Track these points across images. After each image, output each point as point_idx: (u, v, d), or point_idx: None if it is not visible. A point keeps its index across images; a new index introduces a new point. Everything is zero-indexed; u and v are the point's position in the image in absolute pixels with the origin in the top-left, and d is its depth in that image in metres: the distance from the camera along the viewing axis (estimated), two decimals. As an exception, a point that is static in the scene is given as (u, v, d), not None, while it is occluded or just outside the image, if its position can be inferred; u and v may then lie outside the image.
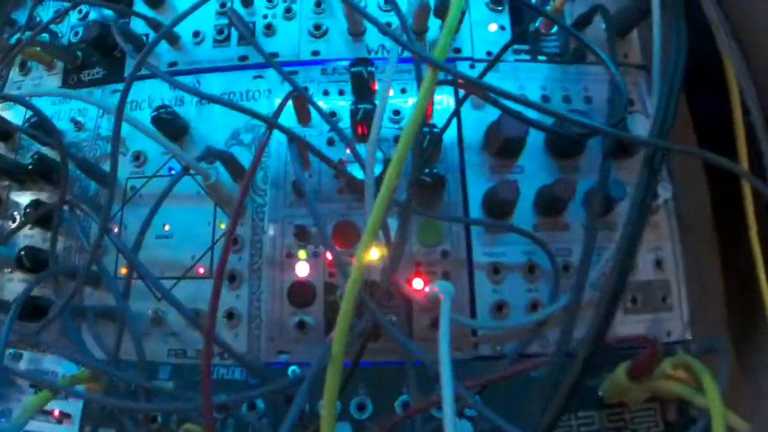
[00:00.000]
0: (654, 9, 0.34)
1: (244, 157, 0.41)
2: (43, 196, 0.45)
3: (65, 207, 0.41)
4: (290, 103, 0.38)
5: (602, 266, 0.37)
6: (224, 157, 0.38)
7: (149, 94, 0.47)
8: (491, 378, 0.28)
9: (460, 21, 0.44)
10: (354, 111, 0.39)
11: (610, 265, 0.28)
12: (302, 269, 0.39)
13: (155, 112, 0.41)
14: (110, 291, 0.37)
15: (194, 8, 0.36)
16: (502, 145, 0.38)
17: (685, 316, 0.41)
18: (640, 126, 0.39)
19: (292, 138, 0.34)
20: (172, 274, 0.41)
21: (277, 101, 0.38)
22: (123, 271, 0.41)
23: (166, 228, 0.42)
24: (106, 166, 0.44)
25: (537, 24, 0.44)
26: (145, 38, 0.48)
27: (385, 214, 0.27)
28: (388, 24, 0.45)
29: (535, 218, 0.40)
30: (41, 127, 0.43)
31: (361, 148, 0.37)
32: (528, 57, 0.44)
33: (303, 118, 0.42)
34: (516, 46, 0.43)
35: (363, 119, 0.39)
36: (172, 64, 0.47)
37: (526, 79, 0.43)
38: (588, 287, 0.35)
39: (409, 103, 0.43)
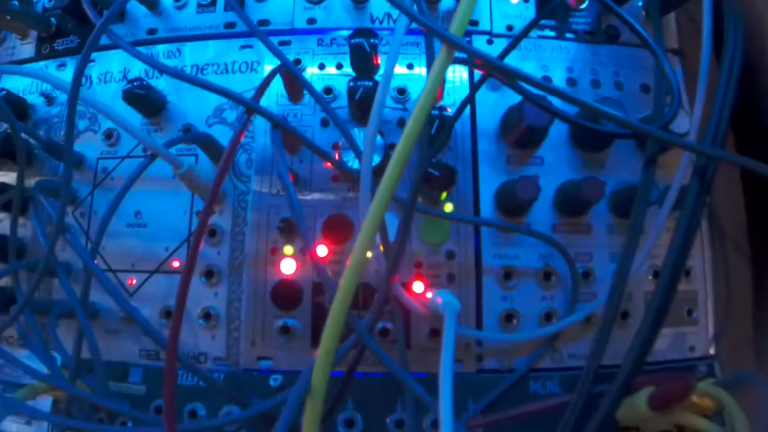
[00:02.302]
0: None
1: (228, 138, 0.36)
2: (11, 178, 0.40)
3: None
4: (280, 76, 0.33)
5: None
6: (203, 140, 0.33)
7: (125, 65, 0.41)
8: (500, 417, 0.23)
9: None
10: (353, 89, 0.34)
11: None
12: (288, 267, 0.34)
13: (127, 86, 0.36)
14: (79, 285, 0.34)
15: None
16: (522, 134, 0.33)
17: (711, 330, 0.37)
18: (680, 123, 0.34)
19: (276, 123, 0.29)
20: (145, 268, 0.37)
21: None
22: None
23: (138, 216, 0.37)
24: (79, 146, 0.40)
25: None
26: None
27: (383, 214, 0.23)
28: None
29: (554, 217, 0.35)
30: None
31: (359, 135, 0.33)
32: (553, 33, 0.38)
33: (294, 94, 0.37)
34: (534, 18, 0.38)
35: (363, 98, 0.34)
36: (152, 31, 0.42)
37: (551, 60, 0.38)
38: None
39: (417, 74, 0.38)
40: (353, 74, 0.37)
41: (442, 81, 0.23)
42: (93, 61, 0.42)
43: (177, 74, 0.29)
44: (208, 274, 0.35)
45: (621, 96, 0.38)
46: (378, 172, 0.34)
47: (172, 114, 0.39)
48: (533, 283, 0.34)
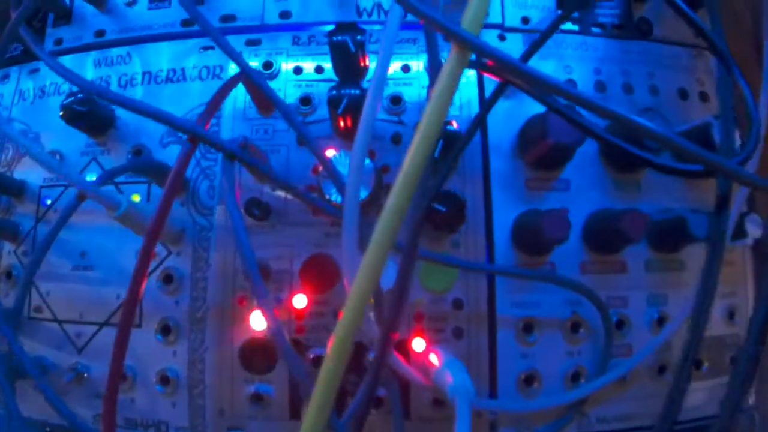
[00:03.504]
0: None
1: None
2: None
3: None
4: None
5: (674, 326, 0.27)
6: (148, 169, 0.27)
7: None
8: None
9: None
10: (334, 98, 0.28)
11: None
12: (259, 321, 0.28)
13: (66, 101, 0.30)
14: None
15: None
16: (546, 153, 0.27)
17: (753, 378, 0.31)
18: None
19: (229, 155, 0.22)
20: (94, 318, 0.31)
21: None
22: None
23: (84, 256, 0.31)
24: (20, 172, 0.34)
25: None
26: (68, 2, 0.36)
27: (379, 274, 0.17)
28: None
29: (582, 253, 0.29)
30: None
31: (343, 159, 0.26)
32: (576, 27, 0.32)
33: (262, 106, 0.30)
34: (562, 11, 0.31)
35: (347, 111, 0.28)
36: (100, 33, 0.35)
37: (575, 58, 0.31)
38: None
39: (415, 77, 0.31)
40: (336, 79, 0.31)
41: (454, 91, 0.17)
42: (37, 70, 0.36)
43: (100, 92, 0.23)
44: (165, 329, 0.29)
45: (656, 103, 0.31)
46: (367, 205, 0.28)
47: (121, 133, 0.33)
48: (558, 336, 0.28)
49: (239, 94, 0.31)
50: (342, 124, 0.28)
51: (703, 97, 0.32)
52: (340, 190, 0.24)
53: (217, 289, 0.29)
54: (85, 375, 0.30)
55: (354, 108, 0.27)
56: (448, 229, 0.26)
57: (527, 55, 0.25)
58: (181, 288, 0.29)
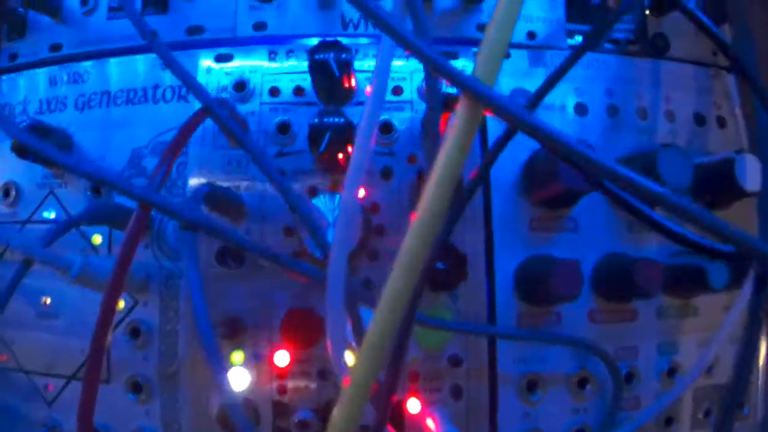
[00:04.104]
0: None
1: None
2: None
3: None
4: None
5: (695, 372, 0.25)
6: (106, 216, 0.24)
7: (25, 94, 0.31)
8: None
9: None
10: (316, 131, 0.24)
11: None
12: (238, 380, 0.26)
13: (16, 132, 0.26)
14: None
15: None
16: (556, 196, 0.24)
17: (758, 421, 0.30)
18: (750, 173, 0.25)
19: (186, 225, 0.19)
20: (61, 371, 0.28)
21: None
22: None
23: (47, 302, 0.28)
24: None
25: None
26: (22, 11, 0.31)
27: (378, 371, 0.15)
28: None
29: (591, 301, 0.26)
30: None
31: (326, 202, 0.23)
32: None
33: (233, 137, 0.27)
34: (571, 25, 0.28)
35: (331, 146, 0.24)
36: (55, 47, 0.31)
37: (586, 79, 0.28)
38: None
39: (408, 101, 0.28)
40: (320, 105, 0.27)
41: (468, 148, 0.14)
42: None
43: (20, 138, 0.19)
44: (135, 386, 0.27)
45: (672, 130, 0.28)
46: (355, 253, 0.25)
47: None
48: (564, 393, 0.26)
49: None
50: (324, 157, 0.25)
51: (721, 122, 0.29)
52: (324, 247, 0.21)
53: (189, 342, 0.26)
54: (58, 429, 0.28)
55: (338, 141, 0.24)
56: (447, 288, 0.23)
57: (541, 93, 0.22)
58: (149, 342, 0.26)
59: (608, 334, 0.26)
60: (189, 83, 0.21)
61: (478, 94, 0.14)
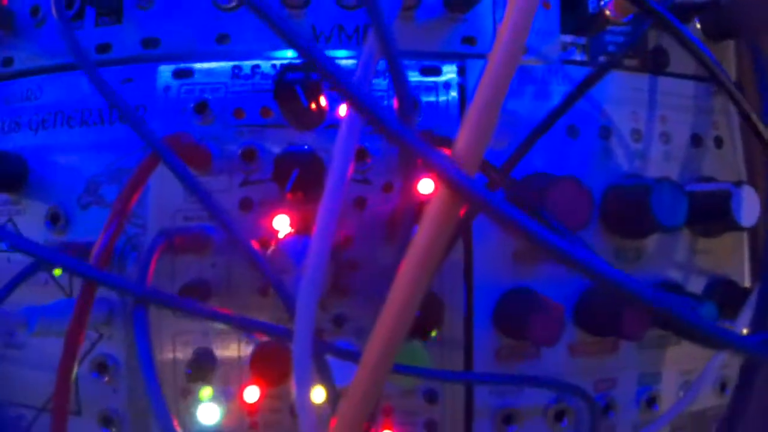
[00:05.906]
0: None
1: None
2: None
3: None
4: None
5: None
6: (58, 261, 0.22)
7: None
8: None
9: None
10: (282, 162, 0.23)
11: None
12: (208, 415, 0.25)
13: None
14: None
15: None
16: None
17: None
18: (746, 207, 0.23)
19: (139, 299, 0.18)
20: (30, 403, 0.28)
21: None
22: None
23: (11, 335, 0.27)
24: None
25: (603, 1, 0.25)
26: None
27: None
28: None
29: (572, 334, 0.25)
30: None
31: (290, 244, 0.22)
32: (582, 57, 0.26)
33: (197, 164, 0.25)
34: (566, 37, 0.25)
35: (299, 184, 0.23)
36: (7, 62, 0.29)
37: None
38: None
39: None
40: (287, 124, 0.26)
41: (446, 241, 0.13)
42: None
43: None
44: (106, 420, 0.26)
45: (666, 153, 0.26)
46: (325, 294, 0.24)
47: (35, 189, 0.27)
48: (541, 426, 0.25)
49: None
50: (291, 192, 0.24)
51: (718, 142, 0.27)
52: (289, 302, 0.20)
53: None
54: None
55: (306, 178, 0.23)
56: (421, 335, 0.22)
57: (534, 134, 0.20)
58: (117, 377, 0.26)
59: (588, 368, 0.25)
60: (136, 126, 0.19)
61: (453, 180, 0.11)
